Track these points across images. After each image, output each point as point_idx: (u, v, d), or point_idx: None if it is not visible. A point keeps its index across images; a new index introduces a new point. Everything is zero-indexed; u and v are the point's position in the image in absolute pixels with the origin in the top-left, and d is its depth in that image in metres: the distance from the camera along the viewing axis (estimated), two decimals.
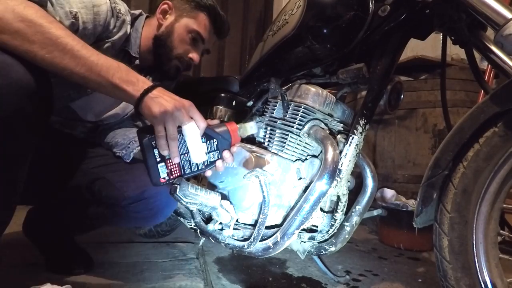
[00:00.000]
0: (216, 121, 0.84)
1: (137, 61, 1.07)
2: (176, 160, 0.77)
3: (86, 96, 1.00)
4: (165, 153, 0.76)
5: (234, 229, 0.91)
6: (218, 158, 0.82)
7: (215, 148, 0.82)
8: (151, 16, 1.12)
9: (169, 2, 1.09)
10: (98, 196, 0.99)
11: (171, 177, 0.79)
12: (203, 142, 0.78)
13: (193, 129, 0.76)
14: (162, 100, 0.72)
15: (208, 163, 0.82)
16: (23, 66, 0.64)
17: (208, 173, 0.85)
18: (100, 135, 1.12)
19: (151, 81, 0.80)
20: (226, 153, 0.82)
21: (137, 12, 1.09)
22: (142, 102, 0.72)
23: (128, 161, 1.01)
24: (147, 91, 0.72)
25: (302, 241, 0.98)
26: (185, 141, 0.77)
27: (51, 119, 1.02)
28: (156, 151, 0.76)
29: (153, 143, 0.76)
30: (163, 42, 1.06)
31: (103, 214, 1.03)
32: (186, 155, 0.79)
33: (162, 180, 0.78)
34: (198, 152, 0.77)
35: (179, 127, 0.75)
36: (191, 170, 0.81)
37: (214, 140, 0.81)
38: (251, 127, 0.89)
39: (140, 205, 0.95)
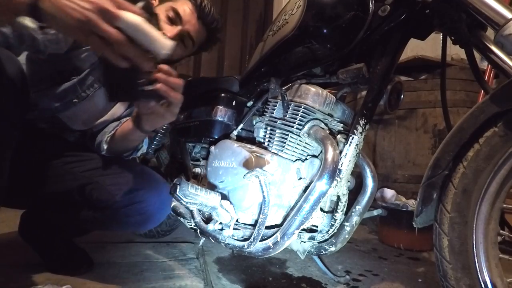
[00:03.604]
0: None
1: None
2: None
3: (73, 107, 0.99)
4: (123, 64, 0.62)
5: (234, 229, 0.91)
6: None
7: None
8: None
9: None
10: (89, 199, 0.98)
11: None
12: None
13: (134, 17, 0.60)
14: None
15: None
16: (4, 65, 0.66)
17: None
18: (89, 141, 1.09)
19: None
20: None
21: None
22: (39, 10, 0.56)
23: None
24: None
25: (302, 241, 0.98)
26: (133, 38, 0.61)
27: (41, 125, 1.02)
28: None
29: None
30: None
31: (94, 218, 1.01)
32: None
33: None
34: (158, 37, 0.62)
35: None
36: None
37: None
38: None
39: (132, 210, 0.94)
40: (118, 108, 1.09)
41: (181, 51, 1.08)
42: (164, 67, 0.75)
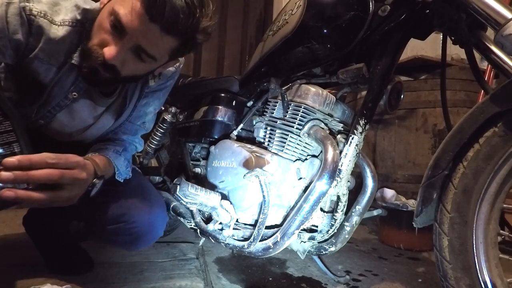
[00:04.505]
0: None
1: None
2: None
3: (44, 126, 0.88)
4: None
5: (234, 229, 0.91)
6: None
7: None
8: None
9: None
10: (80, 211, 0.94)
11: None
12: None
13: None
14: None
15: None
16: None
17: None
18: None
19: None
20: None
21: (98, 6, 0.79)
22: None
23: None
24: None
25: (302, 241, 0.98)
26: None
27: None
28: None
29: None
30: (85, 32, 0.76)
31: (84, 230, 0.99)
32: None
33: None
34: None
35: None
36: None
37: None
38: None
39: (120, 229, 0.90)
40: (106, 119, 0.96)
41: (143, 67, 0.78)
42: (13, 161, 0.56)
